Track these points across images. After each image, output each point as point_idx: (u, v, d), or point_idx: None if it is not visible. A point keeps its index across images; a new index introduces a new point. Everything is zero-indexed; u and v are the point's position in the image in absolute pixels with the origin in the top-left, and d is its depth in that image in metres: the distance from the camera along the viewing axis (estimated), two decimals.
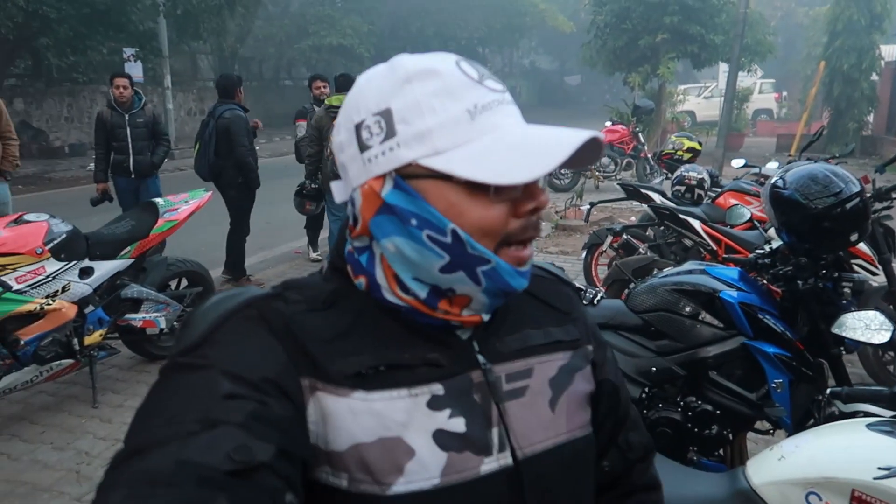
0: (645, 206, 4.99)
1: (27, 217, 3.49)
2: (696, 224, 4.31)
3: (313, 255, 6.83)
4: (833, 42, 15.34)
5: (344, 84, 5.75)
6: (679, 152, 6.11)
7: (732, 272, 2.57)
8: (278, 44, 24.68)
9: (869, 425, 1.49)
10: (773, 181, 2.38)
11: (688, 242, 4.65)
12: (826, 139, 14.83)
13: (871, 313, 2.01)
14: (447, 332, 0.76)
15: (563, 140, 0.67)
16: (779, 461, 1.51)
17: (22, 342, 3.32)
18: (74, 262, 3.55)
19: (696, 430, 2.46)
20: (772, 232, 3.00)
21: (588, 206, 5.70)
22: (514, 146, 0.68)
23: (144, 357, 4.27)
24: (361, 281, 0.75)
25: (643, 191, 4.88)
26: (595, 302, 2.59)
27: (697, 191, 4.94)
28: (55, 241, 3.45)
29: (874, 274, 3.76)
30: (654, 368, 2.46)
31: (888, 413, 1.67)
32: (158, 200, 4.19)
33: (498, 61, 36.47)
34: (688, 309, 2.50)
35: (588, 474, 0.84)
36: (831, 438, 1.51)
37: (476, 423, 0.73)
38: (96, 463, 3.16)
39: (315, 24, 23.64)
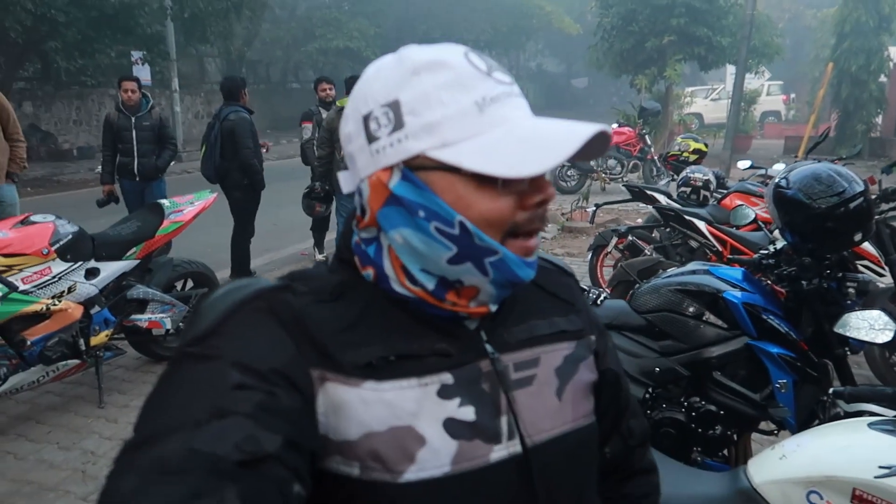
0: (650, 208, 4.98)
1: (33, 218, 3.51)
2: (702, 225, 4.29)
3: (319, 257, 6.84)
4: (841, 44, 15.26)
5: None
6: (685, 154, 6.10)
7: (736, 272, 2.56)
8: (285, 47, 24.77)
9: (870, 424, 1.48)
10: (776, 181, 2.37)
11: (693, 244, 4.64)
12: (834, 141, 14.78)
13: (875, 313, 2.00)
14: (455, 323, 0.76)
15: (572, 133, 0.68)
16: (780, 460, 1.50)
17: (28, 342, 3.34)
18: (80, 263, 3.57)
19: (699, 430, 2.45)
20: (777, 233, 2.99)
21: (593, 208, 5.69)
22: (523, 139, 0.68)
23: (150, 358, 4.29)
24: (369, 272, 0.76)
25: (648, 192, 4.87)
26: (598, 302, 2.59)
27: (703, 192, 4.92)
28: (61, 242, 3.47)
29: (880, 275, 3.74)
30: (657, 369, 2.45)
31: (891, 413, 1.66)
32: (164, 202, 4.21)
33: (504, 64, 36.47)
34: (691, 309, 2.49)
35: (592, 461, 0.85)
36: (832, 437, 1.51)
37: (485, 411, 0.73)
38: (102, 462, 3.18)
39: (322, 27, 23.73)
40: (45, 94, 16.25)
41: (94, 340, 3.66)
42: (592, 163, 10.77)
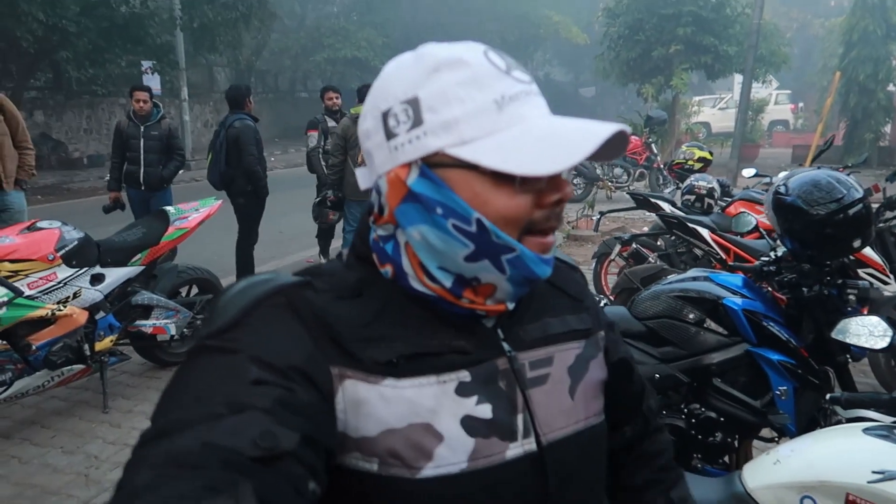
0: (655, 216, 4.98)
1: (40, 224, 3.55)
2: (705, 233, 4.29)
3: None
4: (849, 53, 15.24)
5: (367, 95, 5.79)
6: (690, 162, 6.09)
7: (736, 279, 2.56)
8: (294, 56, 24.93)
9: (866, 430, 1.48)
10: (775, 188, 2.37)
11: (698, 252, 4.63)
12: (843, 150, 14.73)
13: (875, 319, 1.99)
14: (473, 320, 0.77)
15: (590, 133, 0.68)
16: (774, 465, 1.50)
17: (33, 347, 3.36)
18: (86, 269, 3.60)
19: (700, 437, 2.45)
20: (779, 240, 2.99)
21: (598, 216, 5.69)
22: (541, 137, 0.68)
23: (155, 363, 4.31)
24: (388, 269, 0.76)
25: (652, 200, 4.87)
26: None
27: (707, 200, 4.92)
28: (67, 248, 3.50)
29: (885, 283, 3.72)
30: (657, 375, 2.45)
31: (889, 418, 1.65)
32: (169, 209, 4.25)
33: None
34: (692, 316, 2.49)
35: (602, 459, 0.86)
36: (827, 443, 1.50)
37: (502, 409, 0.74)
38: (105, 467, 3.20)
39: (330, 36, 23.87)
40: (57, 103, 16.42)
41: (99, 346, 3.68)
42: (599, 171, 10.78)
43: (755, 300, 2.47)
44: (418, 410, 0.70)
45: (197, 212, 4.26)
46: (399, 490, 0.69)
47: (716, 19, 14.73)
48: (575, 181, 10.82)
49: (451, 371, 0.72)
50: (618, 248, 5.04)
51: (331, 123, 6.53)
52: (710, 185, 4.97)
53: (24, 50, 12.43)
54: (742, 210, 4.05)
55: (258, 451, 0.58)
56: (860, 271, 3.51)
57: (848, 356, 2.37)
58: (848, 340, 1.98)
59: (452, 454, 0.70)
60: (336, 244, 6.99)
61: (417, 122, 0.70)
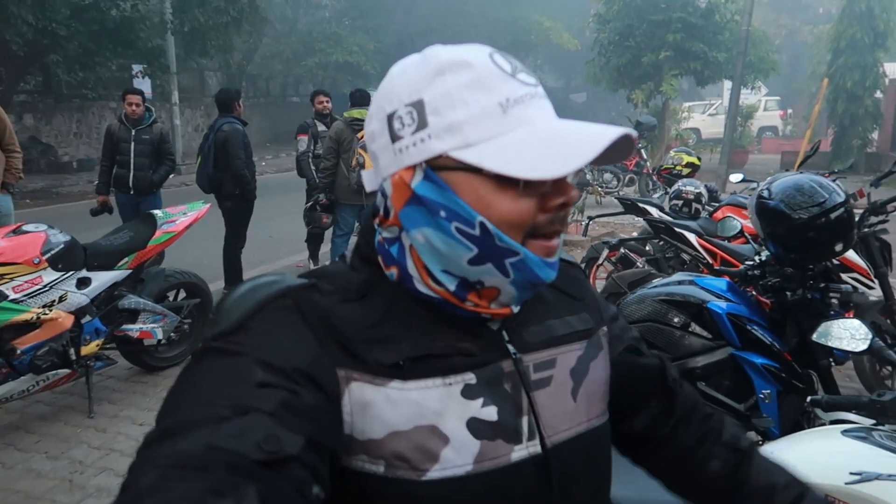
0: (643, 221, 5.00)
1: (25, 227, 3.53)
2: (692, 237, 4.31)
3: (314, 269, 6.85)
4: (836, 60, 15.38)
5: (360, 99, 5.81)
6: (678, 167, 6.12)
7: (721, 283, 2.58)
8: (285, 61, 24.92)
9: (844, 431, 1.49)
10: (758, 192, 2.39)
11: (685, 256, 4.65)
12: (831, 156, 14.85)
13: (856, 322, 2.01)
14: (478, 322, 0.77)
15: (595, 136, 0.67)
16: None
17: (18, 351, 3.34)
18: (72, 273, 3.58)
19: None
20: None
21: (587, 221, 5.71)
22: (546, 141, 0.68)
23: (142, 368, 4.29)
24: (393, 272, 0.76)
25: (640, 205, 4.89)
26: None
27: (695, 205, 4.94)
28: (53, 252, 3.49)
29: (870, 287, 3.74)
30: None
31: (868, 420, 1.66)
32: (157, 212, 4.23)
33: None
34: (676, 320, 2.50)
35: (606, 460, 0.86)
36: (806, 445, 1.51)
37: (507, 411, 0.74)
38: (89, 472, 3.18)
39: (321, 41, 23.88)
40: (46, 107, 16.34)
41: (85, 350, 3.66)
42: (588, 176, 10.82)
43: (739, 304, 2.49)
44: (424, 412, 0.70)
45: (185, 215, 4.25)
46: (405, 492, 0.69)
47: (705, 26, 14.85)
48: None
49: (456, 373, 0.72)
50: (606, 252, 5.06)
51: (321, 128, 6.53)
52: (697, 191, 5.00)
53: (13, 53, 12.36)
54: (728, 215, 4.07)
55: (262, 455, 0.58)
56: (845, 276, 3.53)
57: (831, 360, 2.39)
58: (829, 344, 2.00)
59: (458, 456, 0.70)
60: (325, 249, 6.98)
61: (422, 124, 0.70)
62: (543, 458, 0.75)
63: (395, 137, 0.72)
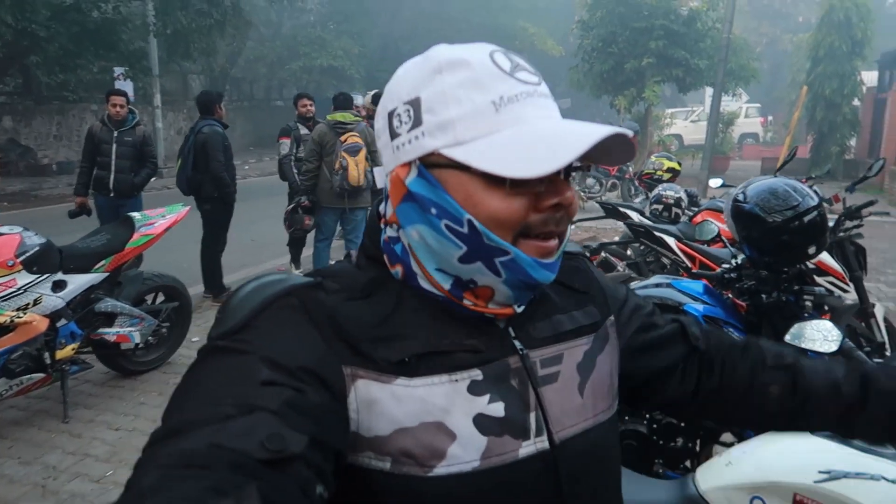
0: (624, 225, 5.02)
1: (0, 229, 3.48)
2: (671, 241, 4.34)
3: (296, 273, 6.81)
4: (815, 68, 15.60)
5: (343, 102, 5.80)
6: (659, 172, 6.17)
7: (697, 286, 2.60)
8: (269, 64, 24.84)
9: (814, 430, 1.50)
10: (734, 195, 2.42)
11: (665, 260, 4.68)
12: (810, 162, 15.04)
13: (827, 324, 2.04)
14: (484, 320, 0.77)
15: (582, 135, 0.66)
16: (726, 467, 1.52)
17: None
18: (47, 276, 3.54)
19: (661, 442, 2.47)
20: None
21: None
22: (534, 140, 0.67)
23: (118, 372, 4.24)
24: (398, 270, 0.76)
25: (621, 209, 4.92)
26: None
27: (675, 210, 4.98)
28: (28, 254, 3.44)
29: (845, 291, 3.78)
30: None
31: None
32: (135, 215, 4.18)
33: None
34: None
35: (612, 454, 0.86)
36: (777, 444, 1.53)
37: (515, 407, 0.74)
38: (63, 478, 3.13)
39: (306, 45, 23.84)
40: (26, 109, 16.16)
41: (60, 354, 3.61)
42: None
43: (716, 307, 2.50)
44: (431, 409, 0.70)
45: (163, 218, 4.22)
46: (412, 489, 0.69)
47: (687, 33, 15.00)
48: None
49: (463, 370, 0.72)
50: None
51: (303, 131, 6.51)
52: (677, 195, 5.04)
53: None
54: (707, 219, 4.10)
55: (266, 454, 0.57)
56: (821, 279, 3.57)
57: None
58: (802, 345, 2.02)
59: (465, 452, 0.70)
60: (308, 252, 6.95)
61: (417, 122, 0.71)
62: (551, 453, 0.75)
63: (393, 135, 0.73)
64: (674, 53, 14.91)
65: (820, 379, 0.92)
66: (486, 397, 0.72)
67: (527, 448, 0.74)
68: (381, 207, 0.80)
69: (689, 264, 4.26)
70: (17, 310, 3.38)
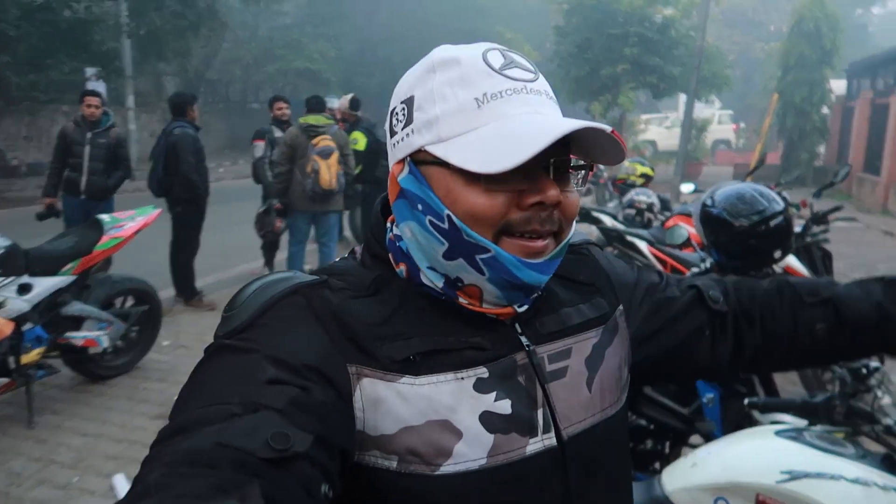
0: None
1: None
2: (643, 245, 4.39)
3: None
4: (786, 76, 15.88)
5: (316, 105, 5.77)
6: (632, 177, 6.25)
7: None
8: (245, 67, 24.62)
9: (777, 432, 1.53)
10: (702, 200, 2.45)
11: (638, 264, 4.73)
12: (780, 169, 15.30)
13: None
14: (488, 317, 0.76)
15: (550, 130, 0.65)
16: (692, 468, 1.54)
17: None
18: (12, 278, 3.47)
19: (630, 444, 2.49)
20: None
21: None
22: (508, 135, 0.67)
23: (86, 377, 4.16)
24: (402, 269, 0.76)
25: (594, 214, 4.97)
26: None
27: (647, 214, 5.04)
28: None
29: None
30: None
31: (802, 421, 1.71)
32: (104, 217, 4.12)
33: None
34: None
35: (621, 449, 0.85)
36: (741, 445, 1.55)
37: (522, 404, 0.74)
38: (27, 485, 3.07)
39: (283, 48, 23.68)
40: None
41: (26, 358, 3.54)
42: None
43: None
44: (436, 407, 0.70)
45: (133, 220, 4.15)
46: (418, 487, 0.69)
47: (661, 41, 15.20)
48: None
49: (468, 368, 0.72)
50: None
51: (278, 133, 6.47)
52: (650, 200, 5.10)
53: None
54: (678, 223, 4.16)
55: (270, 453, 0.57)
56: None
57: None
58: None
59: (471, 450, 0.70)
60: (281, 257, 6.90)
61: (409, 120, 0.72)
62: (559, 450, 0.75)
63: (391, 133, 0.75)
64: (648, 60, 15.10)
65: (863, 304, 0.90)
66: (493, 395, 0.72)
67: (534, 445, 0.73)
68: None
69: (661, 268, 4.31)
70: None
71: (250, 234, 6.37)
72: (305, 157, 5.51)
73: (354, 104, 6.68)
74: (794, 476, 1.35)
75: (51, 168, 5.76)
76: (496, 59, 0.72)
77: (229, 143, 22.29)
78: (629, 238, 4.44)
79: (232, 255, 7.66)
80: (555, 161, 0.70)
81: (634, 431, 2.48)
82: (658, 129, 24.60)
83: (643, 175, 6.22)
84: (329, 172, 5.43)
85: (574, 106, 19.59)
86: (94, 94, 5.76)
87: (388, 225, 0.79)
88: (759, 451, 1.49)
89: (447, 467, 0.69)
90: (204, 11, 14.66)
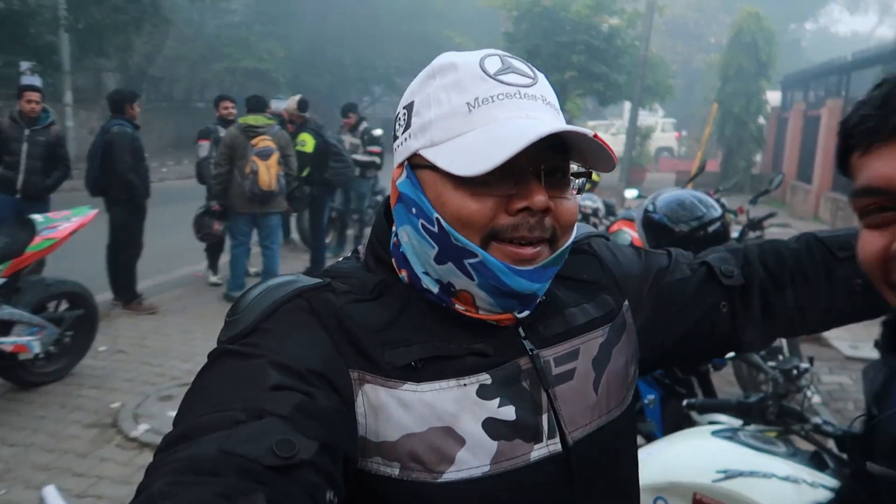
0: None
1: None
2: None
3: (212, 279, 6.62)
4: (725, 86, 16.45)
5: (256, 105, 5.68)
6: None
7: None
8: (191, 65, 24.08)
9: (714, 432, 1.57)
10: (644, 206, 2.51)
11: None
12: (720, 176, 15.80)
13: None
14: (490, 322, 0.75)
15: (527, 133, 0.64)
16: None
17: None
18: None
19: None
20: None
21: None
22: (493, 138, 0.67)
23: (16, 384, 3.98)
24: (404, 275, 0.76)
25: None
26: None
27: (592, 219, 5.14)
28: None
29: None
30: None
31: (737, 421, 1.77)
32: (36, 217, 3.95)
33: None
34: None
35: (628, 449, 0.84)
36: (679, 445, 1.59)
37: (526, 409, 0.73)
38: None
39: (230, 46, 23.22)
40: None
41: None
42: None
43: None
44: (439, 414, 0.69)
45: (68, 221, 4.01)
46: (421, 494, 0.68)
47: (607, 49, 15.50)
48: None
49: (471, 374, 0.71)
50: None
51: (223, 133, 6.34)
52: (595, 205, 5.20)
53: None
54: (622, 228, 4.25)
55: (275, 460, 0.57)
56: None
57: (709, 366, 2.53)
58: None
59: (474, 458, 0.69)
60: (225, 258, 6.76)
61: (407, 125, 0.74)
62: (564, 455, 0.74)
63: (394, 137, 0.77)
64: (595, 68, 15.38)
65: None
66: (496, 401, 0.72)
67: (539, 451, 0.73)
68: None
69: None
70: None
71: (193, 236, 6.23)
72: (245, 158, 5.42)
73: (303, 105, 6.61)
74: (730, 475, 1.39)
75: None
76: (493, 65, 0.72)
77: (173, 142, 21.72)
78: None
79: (174, 258, 7.47)
80: (545, 167, 0.70)
81: None
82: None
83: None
84: (268, 174, 5.36)
85: None
86: (34, 88, 5.54)
87: (394, 229, 0.79)
88: (696, 451, 1.53)
89: (450, 474, 0.69)
90: (147, 7, 14.25)
